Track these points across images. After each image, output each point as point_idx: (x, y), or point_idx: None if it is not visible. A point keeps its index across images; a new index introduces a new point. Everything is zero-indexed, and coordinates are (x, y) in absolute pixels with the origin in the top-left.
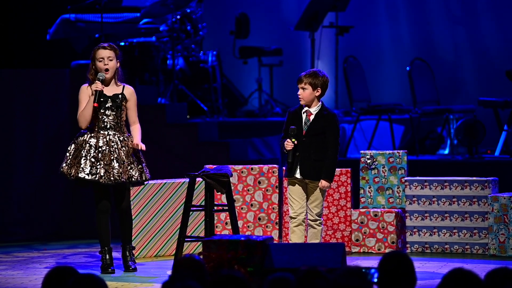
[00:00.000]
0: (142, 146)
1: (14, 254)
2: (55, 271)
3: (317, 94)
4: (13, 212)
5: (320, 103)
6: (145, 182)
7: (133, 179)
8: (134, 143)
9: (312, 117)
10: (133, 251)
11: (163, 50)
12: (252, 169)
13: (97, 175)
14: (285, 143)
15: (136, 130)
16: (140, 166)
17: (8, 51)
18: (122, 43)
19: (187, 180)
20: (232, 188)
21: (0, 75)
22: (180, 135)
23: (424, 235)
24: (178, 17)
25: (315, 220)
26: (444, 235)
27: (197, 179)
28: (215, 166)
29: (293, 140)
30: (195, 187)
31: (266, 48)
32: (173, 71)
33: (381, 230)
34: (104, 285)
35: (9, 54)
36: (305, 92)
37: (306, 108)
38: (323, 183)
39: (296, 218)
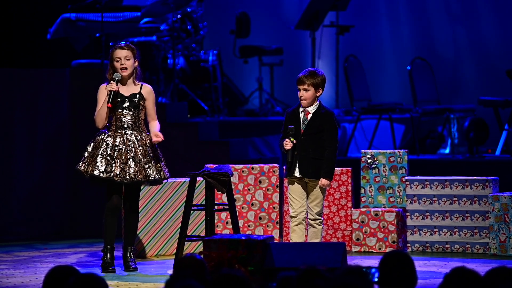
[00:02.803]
0: (160, 136)
1: (14, 253)
2: (56, 270)
3: (318, 94)
4: (13, 211)
5: (318, 102)
6: (164, 181)
7: (150, 178)
8: (153, 134)
9: (309, 116)
10: (134, 252)
11: (163, 49)
12: (252, 168)
13: (112, 173)
14: (284, 142)
15: (154, 126)
16: (158, 164)
17: (8, 50)
18: (123, 42)
19: (188, 179)
20: (233, 187)
21: (0, 74)
22: (181, 135)
23: (424, 234)
24: (179, 16)
25: (315, 219)
26: (444, 235)
27: (198, 178)
28: (215, 165)
29: (291, 139)
30: (196, 186)
31: (266, 47)
32: (173, 70)
33: (382, 230)
34: (104, 285)
35: (9, 53)
36: (308, 93)
37: (304, 107)
38: (322, 181)
39: (296, 217)
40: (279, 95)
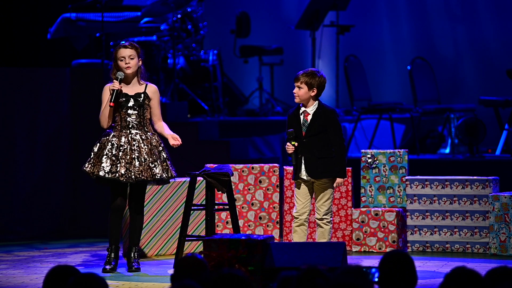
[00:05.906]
0: (178, 139)
1: (15, 253)
2: (56, 270)
3: (313, 94)
4: (13, 211)
5: (316, 102)
6: (171, 180)
7: (156, 177)
8: (172, 137)
9: (309, 117)
10: (139, 253)
11: (163, 49)
12: (252, 168)
13: (117, 173)
14: (286, 147)
15: (164, 126)
16: (165, 163)
17: (9, 50)
18: (123, 42)
19: (188, 179)
20: (233, 187)
21: (1, 73)
22: (181, 134)
23: (425, 234)
24: (179, 16)
25: (322, 219)
26: (445, 234)
27: (198, 178)
28: (216, 165)
29: (292, 143)
30: (196, 186)
31: (266, 47)
32: (173, 70)
33: (382, 229)
34: (104, 285)
35: (10, 52)
36: (300, 91)
37: (303, 109)
38: (338, 180)
39: (298, 218)
40: (279, 95)
